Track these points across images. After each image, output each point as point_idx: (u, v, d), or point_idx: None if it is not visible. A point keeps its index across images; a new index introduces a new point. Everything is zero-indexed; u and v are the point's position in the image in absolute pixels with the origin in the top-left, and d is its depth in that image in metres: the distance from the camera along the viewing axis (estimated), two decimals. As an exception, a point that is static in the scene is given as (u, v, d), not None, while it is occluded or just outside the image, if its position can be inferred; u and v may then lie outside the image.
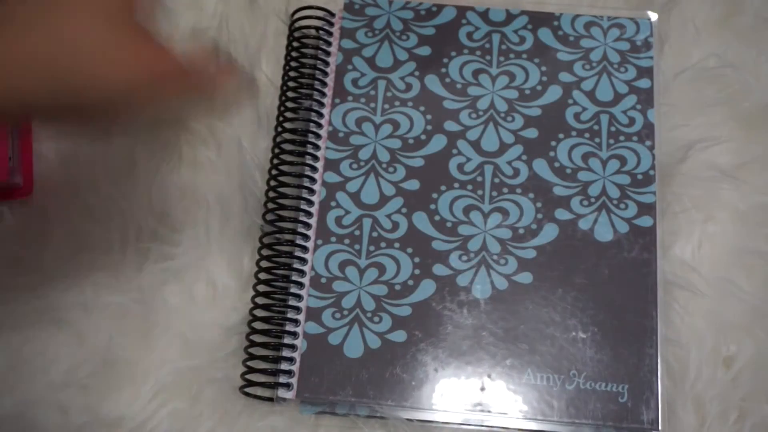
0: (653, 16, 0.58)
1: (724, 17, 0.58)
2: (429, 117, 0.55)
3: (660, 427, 0.48)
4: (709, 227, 0.53)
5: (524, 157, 0.54)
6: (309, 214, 0.52)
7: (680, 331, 0.50)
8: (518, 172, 0.54)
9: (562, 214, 0.52)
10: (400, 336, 0.49)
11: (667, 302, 0.50)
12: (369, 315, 0.50)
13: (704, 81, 0.57)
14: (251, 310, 0.51)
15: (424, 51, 0.57)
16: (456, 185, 0.53)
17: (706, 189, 0.54)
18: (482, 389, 0.48)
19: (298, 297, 0.51)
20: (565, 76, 0.56)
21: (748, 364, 0.50)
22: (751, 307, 0.51)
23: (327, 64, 0.57)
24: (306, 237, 0.52)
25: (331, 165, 0.54)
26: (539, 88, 0.56)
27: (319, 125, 0.55)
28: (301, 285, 0.51)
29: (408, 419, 0.49)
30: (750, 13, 0.58)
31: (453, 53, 0.57)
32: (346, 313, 0.50)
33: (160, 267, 0.53)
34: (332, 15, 0.58)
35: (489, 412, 0.48)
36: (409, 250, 0.51)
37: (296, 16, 0.58)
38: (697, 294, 0.51)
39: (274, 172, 0.53)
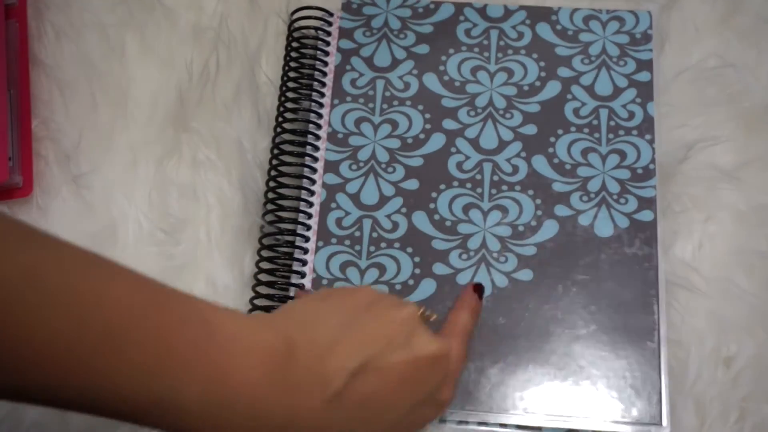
0: (653, 9, 0.58)
1: (724, 17, 0.58)
2: (428, 116, 0.55)
3: (663, 423, 0.47)
4: (709, 227, 0.53)
5: (523, 154, 0.54)
6: (309, 215, 0.52)
7: (680, 331, 0.50)
8: (517, 169, 0.53)
9: (561, 211, 0.52)
10: None
11: (667, 302, 0.50)
12: None
13: (704, 81, 0.56)
14: (250, 310, 0.51)
15: (422, 49, 0.57)
16: (455, 184, 0.53)
17: (706, 189, 0.54)
18: (484, 387, 0.48)
19: (300, 297, 0.51)
20: (563, 71, 0.56)
21: (748, 364, 0.49)
22: (752, 307, 0.51)
23: (326, 64, 0.57)
24: (306, 239, 0.52)
25: (331, 166, 0.54)
26: (538, 83, 0.56)
27: (319, 126, 0.55)
28: (302, 287, 0.51)
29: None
30: (750, 13, 0.58)
31: (451, 50, 0.57)
32: None
33: (160, 267, 0.53)
34: (331, 15, 0.58)
35: (491, 409, 0.48)
36: (409, 249, 0.51)
37: (295, 16, 0.58)
38: (697, 294, 0.51)
39: (273, 172, 0.53)
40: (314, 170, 0.54)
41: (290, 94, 0.56)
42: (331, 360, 0.39)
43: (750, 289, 0.51)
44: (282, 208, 0.53)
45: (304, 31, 0.58)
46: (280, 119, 0.55)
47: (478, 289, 0.49)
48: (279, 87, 0.56)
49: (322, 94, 0.56)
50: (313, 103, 0.55)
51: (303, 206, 0.53)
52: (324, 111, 0.55)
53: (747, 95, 0.56)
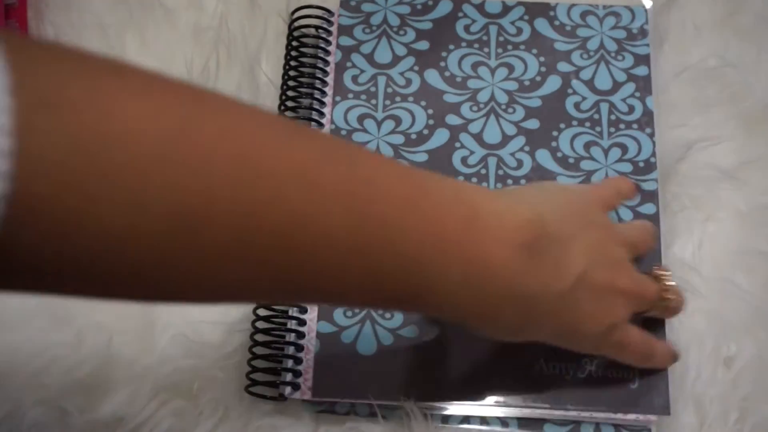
0: (648, 3, 0.58)
1: (724, 16, 0.58)
2: (430, 111, 0.55)
3: (671, 412, 0.47)
4: (709, 227, 0.53)
5: (527, 148, 0.54)
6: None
7: (680, 331, 0.50)
8: (522, 163, 0.53)
9: (566, 205, 0.52)
10: (411, 331, 0.49)
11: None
12: (380, 311, 0.49)
13: (704, 80, 0.56)
14: (254, 310, 0.50)
15: (423, 45, 0.57)
16: (460, 178, 0.53)
17: (706, 189, 0.53)
18: (496, 381, 0.48)
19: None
20: (563, 66, 0.56)
21: (748, 364, 0.49)
22: (752, 307, 0.51)
23: (327, 62, 0.57)
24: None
25: (335, 163, 0.53)
26: (538, 78, 0.56)
27: (321, 124, 0.55)
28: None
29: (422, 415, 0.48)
30: (750, 13, 0.58)
31: (451, 47, 0.57)
32: (357, 310, 0.49)
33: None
34: (331, 14, 0.58)
35: (503, 403, 0.48)
36: (416, 245, 0.51)
37: (295, 15, 0.58)
38: (697, 294, 0.50)
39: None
40: (318, 166, 0.54)
41: (291, 93, 0.56)
42: (572, 250, 0.40)
43: (750, 290, 0.51)
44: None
45: (304, 30, 0.58)
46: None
47: None
48: (280, 85, 0.56)
49: (324, 92, 0.56)
50: (314, 101, 0.56)
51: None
52: (326, 108, 0.55)
53: (747, 95, 0.56)
